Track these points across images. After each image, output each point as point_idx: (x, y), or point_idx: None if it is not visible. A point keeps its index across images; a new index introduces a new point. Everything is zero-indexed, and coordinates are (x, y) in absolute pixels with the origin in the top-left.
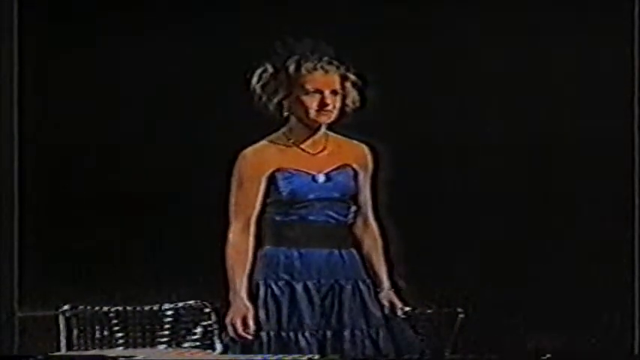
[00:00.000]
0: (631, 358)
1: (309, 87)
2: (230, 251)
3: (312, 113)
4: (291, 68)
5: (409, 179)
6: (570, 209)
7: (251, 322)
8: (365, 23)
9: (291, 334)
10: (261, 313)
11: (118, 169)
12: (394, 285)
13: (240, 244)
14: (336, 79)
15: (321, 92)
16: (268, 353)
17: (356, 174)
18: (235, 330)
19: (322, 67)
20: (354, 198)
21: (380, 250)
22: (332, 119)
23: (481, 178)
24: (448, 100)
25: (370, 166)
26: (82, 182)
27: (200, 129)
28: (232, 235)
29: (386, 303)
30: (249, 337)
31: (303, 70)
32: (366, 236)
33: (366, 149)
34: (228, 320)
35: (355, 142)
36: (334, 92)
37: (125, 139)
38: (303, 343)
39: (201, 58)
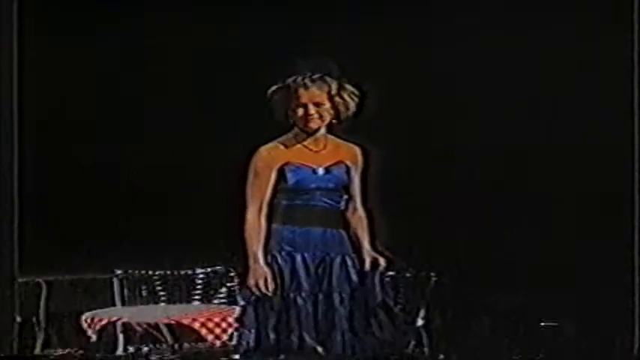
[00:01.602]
0: (631, 358)
1: (296, 101)
2: (247, 228)
3: (302, 121)
4: (287, 85)
5: (394, 175)
6: (570, 209)
7: (270, 282)
8: (365, 43)
9: (291, 294)
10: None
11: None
12: (375, 259)
13: (255, 222)
14: (321, 94)
15: (305, 105)
16: (272, 309)
17: (349, 169)
18: (259, 289)
19: (304, 85)
20: (347, 189)
21: (365, 228)
22: (321, 125)
23: (480, 180)
24: (434, 110)
25: (361, 163)
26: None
27: (228, 131)
28: (249, 215)
29: (368, 259)
30: (270, 294)
31: (293, 88)
32: (354, 219)
33: (358, 150)
34: (252, 282)
35: (350, 144)
36: (317, 104)
37: (167, 130)
38: (300, 302)
39: (230, 70)
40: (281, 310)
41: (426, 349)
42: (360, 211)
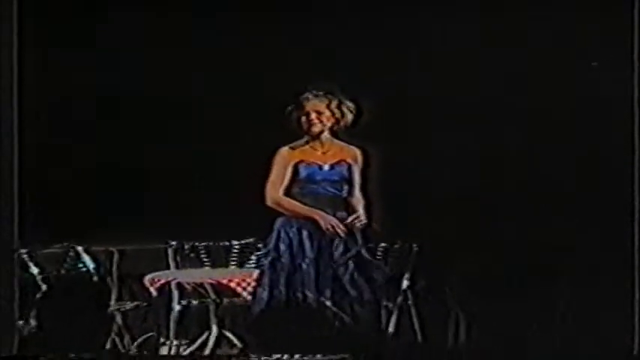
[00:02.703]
0: (631, 358)
1: (302, 111)
2: (277, 204)
3: (307, 126)
4: (299, 101)
5: (388, 171)
6: (570, 209)
7: (338, 222)
8: (362, 64)
9: (298, 260)
10: (282, 247)
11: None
12: (369, 223)
13: (281, 198)
14: (320, 104)
15: (308, 113)
16: (283, 270)
17: (350, 166)
18: (335, 227)
19: (307, 98)
20: (348, 181)
21: (362, 211)
22: (322, 129)
23: (480, 181)
24: (423, 116)
25: (360, 162)
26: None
27: (256, 135)
28: (271, 198)
29: (354, 216)
30: (342, 231)
31: (300, 100)
32: (353, 203)
33: (358, 152)
34: (328, 226)
35: (352, 146)
36: (317, 112)
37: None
38: (304, 267)
39: (251, 84)
40: (290, 273)
41: (410, 303)
42: (359, 197)
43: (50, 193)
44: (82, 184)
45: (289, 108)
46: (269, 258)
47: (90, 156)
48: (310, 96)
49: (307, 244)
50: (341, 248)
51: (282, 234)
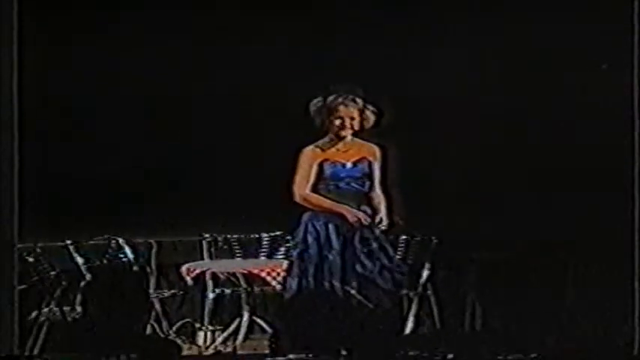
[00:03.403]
0: (631, 358)
1: (336, 114)
2: (305, 200)
3: (337, 130)
4: (328, 103)
5: (403, 167)
6: (570, 207)
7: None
8: (384, 70)
9: (325, 251)
10: (309, 240)
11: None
12: (391, 222)
13: (308, 195)
14: (353, 111)
15: (342, 118)
16: (311, 261)
17: (370, 163)
18: (362, 219)
19: (343, 104)
20: (369, 177)
21: (383, 205)
22: (350, 133)
23: (480, 177)
24: (436, 118)
25: (379, 159)
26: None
27: (283, 136)
28: (300, 196)
29: (380, 219)
30: (367, 220)
31: (333, 105)
32: (374, 198)
33: (377, 149)
34: (354, 219)
35: (372, 144)
36: (351, 118)
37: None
38: (330, 257)
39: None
40: (317, 263)
41: (429, 291)
42: (379, 192)
43: (50, 191)
44: (82, 182)
45: (316, 104)
46: (297, 249)
47: (89, 155)
48: (347, 101)
49: (334, 236)
50: (365, 240)
51: (310, 227)
